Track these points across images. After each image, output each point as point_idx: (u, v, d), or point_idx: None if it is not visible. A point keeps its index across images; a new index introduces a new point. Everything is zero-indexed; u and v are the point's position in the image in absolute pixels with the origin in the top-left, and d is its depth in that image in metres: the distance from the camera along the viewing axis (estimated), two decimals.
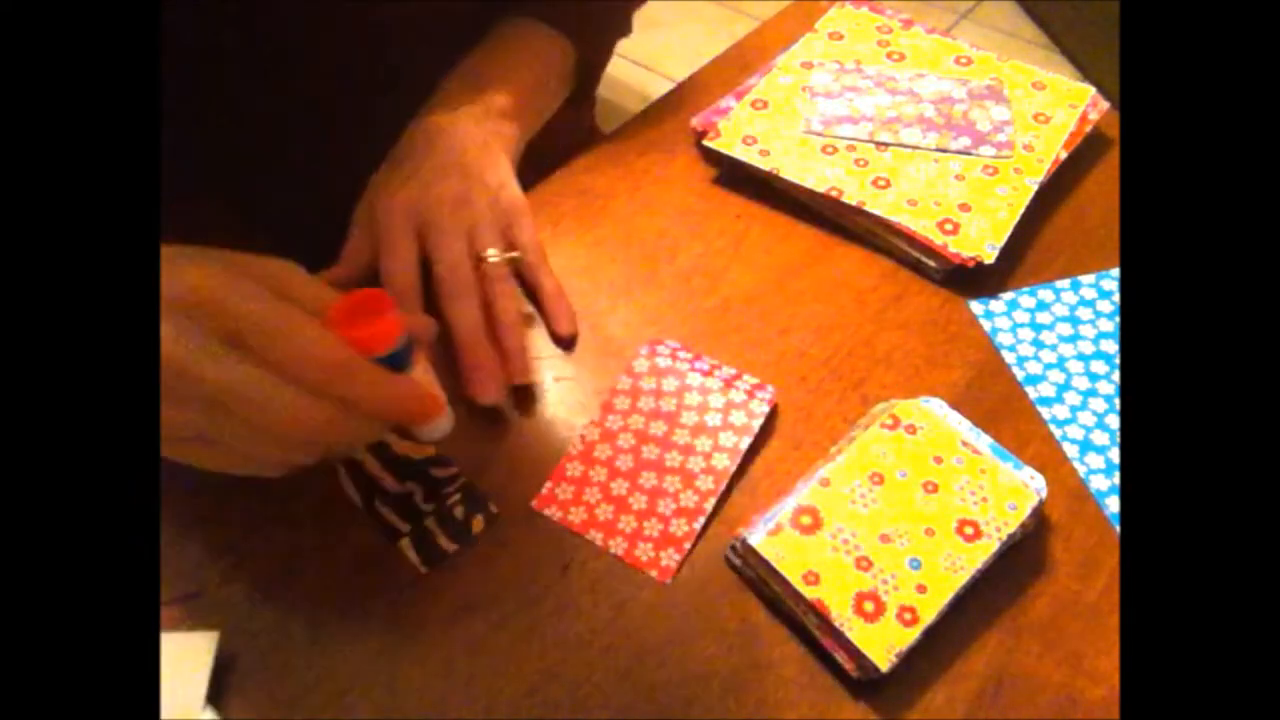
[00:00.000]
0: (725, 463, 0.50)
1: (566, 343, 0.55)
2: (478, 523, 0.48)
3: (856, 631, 0.42)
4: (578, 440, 0.51)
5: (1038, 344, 0.56)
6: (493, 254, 0.54)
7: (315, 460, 0.40)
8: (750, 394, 0.52)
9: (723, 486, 0.49)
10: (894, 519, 0.45)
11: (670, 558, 0.47)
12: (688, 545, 0.47)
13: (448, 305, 0.52)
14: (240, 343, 0.36)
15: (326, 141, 0.63)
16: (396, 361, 0.40)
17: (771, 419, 0.52)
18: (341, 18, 0.59)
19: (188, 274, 0.36)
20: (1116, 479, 0.50)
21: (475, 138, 0.57)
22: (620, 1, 0.68)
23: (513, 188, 0.57)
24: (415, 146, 0.57)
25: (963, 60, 0.68)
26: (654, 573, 0.47)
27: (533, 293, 0.57)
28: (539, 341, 0.56)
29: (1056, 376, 0.54)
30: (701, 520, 0.48)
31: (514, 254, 0.55)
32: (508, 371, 0.52)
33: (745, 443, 0.50)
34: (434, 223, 0.53)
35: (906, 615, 0.43)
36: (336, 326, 0.38)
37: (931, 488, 0.46)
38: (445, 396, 0.45)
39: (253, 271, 0.39)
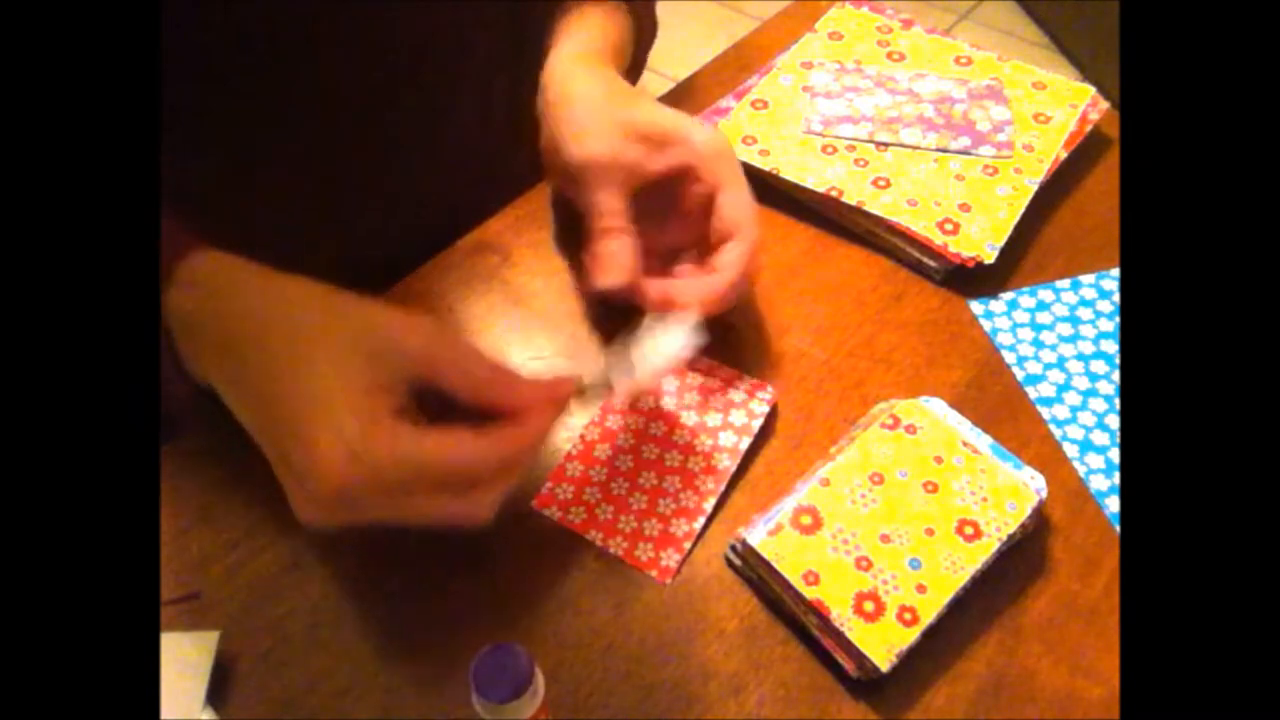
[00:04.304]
0: (725, 463, 0.50)
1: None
2: None
3: (856, 631, 0.42)
4: (578, 440, 0.51)
5: (1038, 344, 0.56)
6: None
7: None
8: (750, 394, 0.52)
9: (723, 486, 0.49)
10: (894, 519, 0.45)
11: (670, 558, 0.47)
12: (688, 545, 0.47)
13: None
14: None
15: (336, 131, 0.62)
16: None
17: (771, 419, 0.52)
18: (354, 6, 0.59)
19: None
20: (1116, 479, 0.50)
21: None
22: None
23: None
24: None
25: (963, 60, 0.68)
26: (654, 573, 0.47)
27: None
28: (538, 340, 0.56)
29: (1056, 376, 0.54)
30: (701, 520, 0.48)
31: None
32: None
33: (745, 443, 0.50)
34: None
35: (906, 615, 0.43)
36: None
37: (931, 488, 0.46)
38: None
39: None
